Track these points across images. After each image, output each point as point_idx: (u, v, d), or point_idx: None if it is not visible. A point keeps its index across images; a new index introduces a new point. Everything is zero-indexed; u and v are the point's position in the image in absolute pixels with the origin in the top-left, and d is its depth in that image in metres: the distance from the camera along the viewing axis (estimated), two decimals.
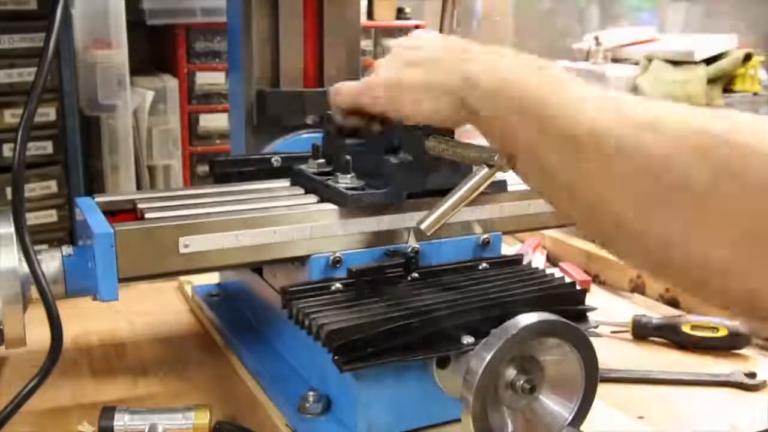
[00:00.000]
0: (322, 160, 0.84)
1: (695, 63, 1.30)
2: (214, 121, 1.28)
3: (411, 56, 0.67)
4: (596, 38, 1.40)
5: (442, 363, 0.68)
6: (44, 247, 0.74)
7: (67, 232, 1.11)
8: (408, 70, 0.66)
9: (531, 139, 0.55)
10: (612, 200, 0.51)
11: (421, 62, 0.65)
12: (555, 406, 0.66)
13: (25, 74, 1.05)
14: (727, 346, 0.91)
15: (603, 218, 0.52)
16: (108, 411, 0.72)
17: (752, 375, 0.84)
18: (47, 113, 1.07)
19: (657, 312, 1.03)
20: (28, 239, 0.68)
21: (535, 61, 0.59)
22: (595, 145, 0.51)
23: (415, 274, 0.75)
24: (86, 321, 0.98)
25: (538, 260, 1.21)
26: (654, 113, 0.50)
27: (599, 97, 0.53)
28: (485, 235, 0.81)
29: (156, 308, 1.04)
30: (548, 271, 0.80)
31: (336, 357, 0.64)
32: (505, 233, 0.84)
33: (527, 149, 0.56)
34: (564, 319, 0.64)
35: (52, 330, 0.67)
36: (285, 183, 0.85)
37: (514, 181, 0.83)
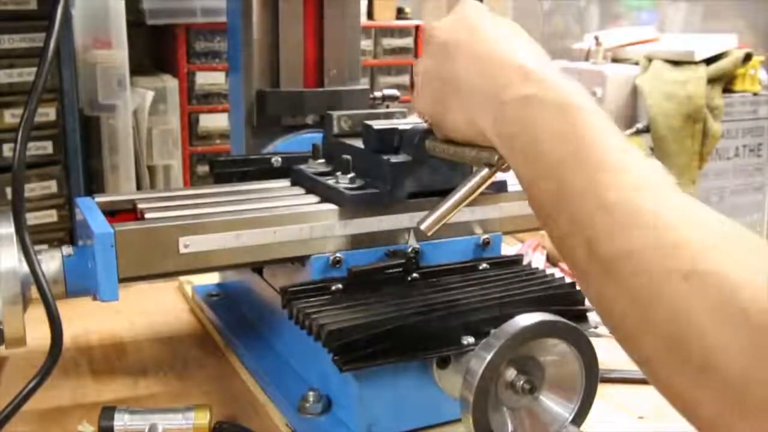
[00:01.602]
0: (322, 160, 0.84)
1: (695, 63, 1.30)
2: (214, 121, 1.28)
3: (440, 85, 0.61)
4: (596, 38, 1.40)
5: (442, 363, 0.68)
6: (44, 247, 0.74)
7: (67, 232, 1.11)
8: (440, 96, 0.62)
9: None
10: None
11: (452, 92, 0.60)
12: (555, 406, 0.66)
13: (25, 74, 1.05)
14: None
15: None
16: (108, 411, 0.72)
17: None
18: (47, 113, 1.07)
19: None
20: (28, 239, 0.68)
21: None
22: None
23: (415, 274, 0.75)
24: (86, 321, 0.98)
25: (538, 260, 1.21)
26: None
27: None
28: (485, 236, 0.81)
29: (156, 308, 1.04)
30: (548, 271, 0.80)
31: (336, 357, 0.64)
32: (505, 233, 0.84)
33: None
34: (564, 319, 0.64)
35: (52, 330, 0.67)
36: (285, 183, 0.85)
37: (514, 181, 0.83)
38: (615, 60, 1.40)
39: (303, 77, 0.95)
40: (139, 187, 1.19)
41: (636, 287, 0.44)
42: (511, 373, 0.63)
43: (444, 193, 0.70)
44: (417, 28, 1.45)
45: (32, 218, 1.07)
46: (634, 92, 1.34)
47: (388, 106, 0.98)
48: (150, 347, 0.94)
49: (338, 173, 0.78)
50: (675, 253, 0.43)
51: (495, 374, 0.61)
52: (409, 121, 0.79)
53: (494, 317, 0.67)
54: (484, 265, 0.80)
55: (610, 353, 0.91)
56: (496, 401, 0.63)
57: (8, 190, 1.03)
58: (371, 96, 0.98)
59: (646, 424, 0.77)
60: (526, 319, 0.62)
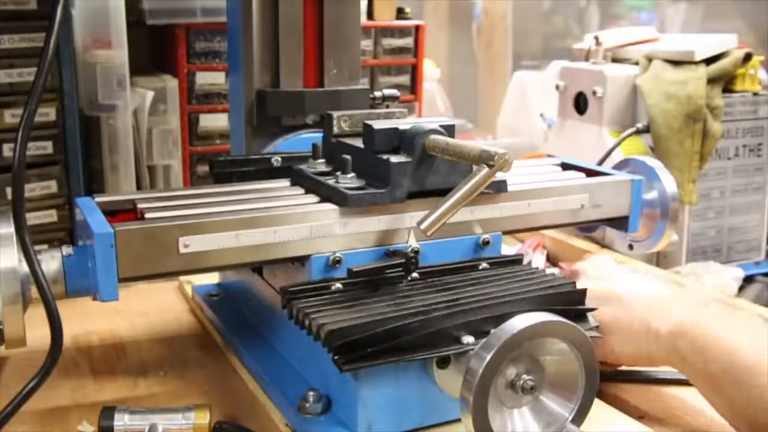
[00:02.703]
0: (322, 160, 0.84)
1: (695, 63, 1.30)
2: (214, 121, 1.28)
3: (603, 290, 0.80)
4: (596, 38, 1.40)
5: (442, 363, 0.68)
6: (44, 247, 0.74)
7: (67, 232, 1.11)
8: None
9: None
10: None
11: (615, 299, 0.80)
12: (555, 405, 0.66)
13: (25, 74, 1.05)
14: None
15: None
16: (108, 411, 0.72)
17: None
18: (47, 113, 1.07)
19: None
20: (28, 239, 0.68)
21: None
22: None
23: (415, 274, 0.75)
24: (86, 321, 0.98)
25: (538, 260, 1.22)
26: None
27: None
28: (485, 235, 0.81)
29: (156, 308, 1.05)
30: (548, 271, 0.80)
31: (336, 357, 0.64)
32: (505, 233, 0.84)
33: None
34: (564, 319, 0.64)
35: (52, 330, 0.67)
36: (285, 183, 0.85)
37: (514, 181, 0.83)
38: (615, 60, 1.40)
39: (303, 77, 0.95)
40: (139, 187, 1.19)
41: None
42: (511, 373, 0.64)
43: (444, 193, 0.70)
44: (417, 28, 1.45)
45: (32, 218, 1.07)
46: (634, 92, 1.34)
47: (388, 106, 0.98)
48: (150, 347, 0.94)
49: (338, 173, 0.78)
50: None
51: (495, 374, 0.61)
52: (409, 121, 0.79)
53: (494, 317, 0.67)
54: (484, 264, 0.80)
55: None
56: (496, 401, 0.63)
57: (8, 190, 1.03)
58: (371, 96, 0.98)
59: (646, 424, 0.77)
60: (526, 319, 0.62)
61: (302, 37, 0.94)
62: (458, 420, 0.63)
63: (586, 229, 1.16)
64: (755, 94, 1.35)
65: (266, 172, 0.90)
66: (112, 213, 0.76)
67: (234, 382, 0.84)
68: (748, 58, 1.33)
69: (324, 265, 0.75)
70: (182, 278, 1.09)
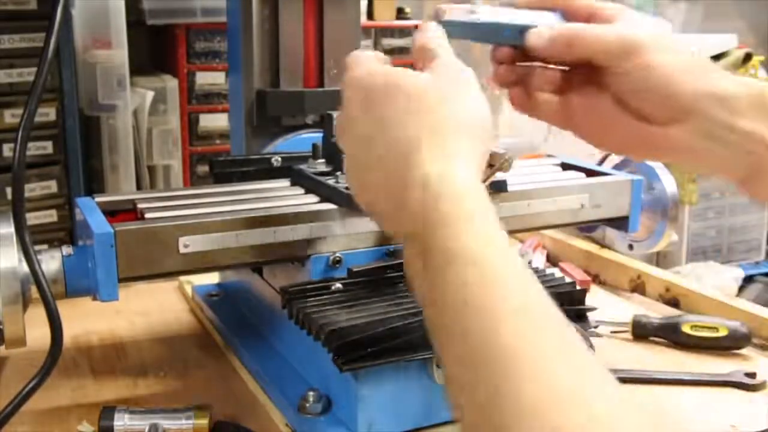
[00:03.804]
0: (322, 160, 0.84)
1: None
2: (214, 121, 1.28)
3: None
4: None
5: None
6: (44, 247, 0.74)
7: (67, 232, 1.11)
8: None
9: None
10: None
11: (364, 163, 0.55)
12: None
13: (25, 74, 1.05)
14: (727, 346, 0.91)
15: None
16: (108, 411, 0.72)
17: (752, 375, 0.84)
18: (47, 113, 1.07)
19: (657, 312, 1.03)
20: (28, 239, 0.68)
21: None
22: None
23: None
24: (86, 321, 0.98)
25: (538, 260, 1.21)
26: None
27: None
28: None
29: (156, 308, 1.04)
30: (548, 271, 0.80)
31: (336, 357, 0.64)
32: None
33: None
34: None
35: (52, 330, 0.67)
36: (285, 183, 0.85)
37: (514, 181, 0.83)
38: None
39: (303, 77, 0.95)
40: (139, 187, 1.19)
41: None
42: None
43: None
44: (417, 28, 1.46)
45: (32, 218, 1.07)
46: None
47: None
48: (150, 347, 0.94)
49: (338, 173, 0.78)
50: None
51: None
52: None
53: None
54: None
55: (610, 353, 0.91)
56: None
57: (8, 190, 1.03)
58: None
59: None
60: None
61: (302, 37, 0.94)
62: None
63: (586, 229, 1.16)
64: None
65: (266, 172, 0.90)
66: (112, 213, 0.76)
67: (234, 382, 0.84)
68: (748, 58, 1.33)
69: (324, 265, 0.75)
70: (182, 278, 1.09)
